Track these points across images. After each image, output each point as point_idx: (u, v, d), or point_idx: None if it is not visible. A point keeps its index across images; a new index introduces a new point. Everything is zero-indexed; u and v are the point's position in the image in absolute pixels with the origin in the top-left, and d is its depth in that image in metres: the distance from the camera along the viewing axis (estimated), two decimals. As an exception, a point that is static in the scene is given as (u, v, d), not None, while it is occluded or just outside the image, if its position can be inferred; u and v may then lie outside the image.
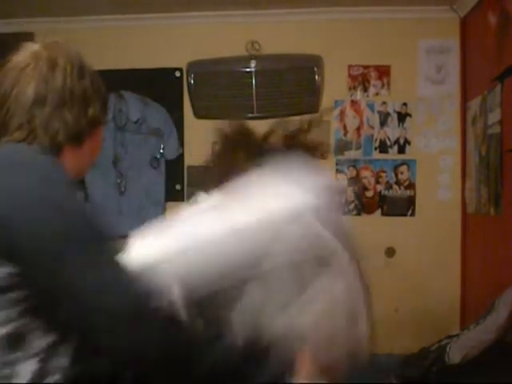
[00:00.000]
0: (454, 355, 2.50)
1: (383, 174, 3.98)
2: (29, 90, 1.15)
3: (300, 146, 1.26)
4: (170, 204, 4.08)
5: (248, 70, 3.96)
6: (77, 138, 1.18)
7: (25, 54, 1.19)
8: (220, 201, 1.14)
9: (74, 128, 1.17)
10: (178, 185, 4.09)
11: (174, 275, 1.03)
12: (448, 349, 2.55)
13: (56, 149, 1.15)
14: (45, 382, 1.04)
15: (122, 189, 4.07)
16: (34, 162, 1.08)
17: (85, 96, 1.19)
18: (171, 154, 4.09)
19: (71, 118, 1.16)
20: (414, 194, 3.95)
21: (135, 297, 1.03)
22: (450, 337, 2.67)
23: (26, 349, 1.04)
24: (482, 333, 2.47)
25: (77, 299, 1.01)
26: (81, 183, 3.90)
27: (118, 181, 4.05)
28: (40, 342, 1.05)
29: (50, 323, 1.05)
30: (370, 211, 3.99)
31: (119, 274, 1.04)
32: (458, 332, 2.70)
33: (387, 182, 3.98)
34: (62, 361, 1.06)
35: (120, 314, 1.02)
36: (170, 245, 1.08)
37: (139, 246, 1.08)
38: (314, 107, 3.97)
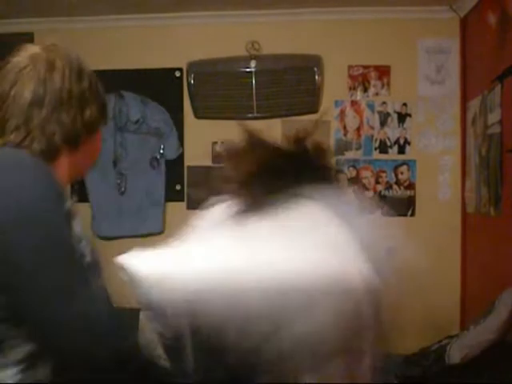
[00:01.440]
0: (454, 355, 2.50)
1: (383, 174, 3.98)
2: (26, 92, 1.14)
3: (311, 149, 1.18)
4: (169, 204, 4.08)
5: (248, 70, 3.96)
6: (73, 140, 1.17)
7: (24, 55, 1.18)
8: (251, 224, 1.01)
9: (70, 130, 1.16)
10: (178, 185, 4.09)
11: (184, 302, 0.94)
12: (448, 349, 2.55)
13: (53, 151, 1.15)
14: None
15: (122, 189, 4.07)
16: (22, 169, 1.06)
17: (82, 98, 1.18)
18: (171, 154, 4.09)
19: (68, 120, 1.16)
20: (414, 194, 3.95)
21: (104, 330, 1.03)
22: (450, 337, 2.67)
23: (6, 355, 1.03)
24: (483, 333, 2.47)
25: (46, 322, 1.00)
26: (81, 183, 3.90)
27: (118, 181, 4.05)
28: (20, 349, 1.03)
29: (27, 333, 1.04)
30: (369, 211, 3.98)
31: (91, 302, 1.03)
32: (458, 332, 2.69)
33: (387, 182, 3.98)
34: (43, 372, 1.05)
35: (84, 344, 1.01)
36: (187, 263, 0.98)
37: (153, 257, 1.01)
38: (314, 107, 3.97)
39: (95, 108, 1.21)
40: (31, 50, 1.19)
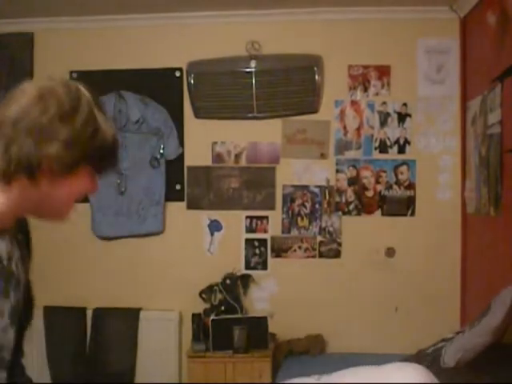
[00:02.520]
0: (449, 359, 2.47)
1: (383, 174, 3.98)
2: (9, 113, 1.11)
3: None
4: (169, 204, 4.07)
5: (248, 70, 3.96)
6: (27, 170, 1.10)
7: (31, 85, 1.14)
8: None
9: (25, 158, 1.09)
10: (178, 185, 4.09)
11: None
12: (443, 352, 2.52)
13: (7, 175, 1.11)
14: None
15: (122, 189, 4.07)
16: None
17: (48, 130, 1.10)
18: (171, 154, 4.09)
19: (29, 147, 1.09)
20: (414, 194, 3.95)
21: None
22: (445, 340, 2.64)
23: None
24: (477, 336, 2.44)
25: None
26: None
27: (118, 181, 4.05)
28: None
29: None
30: (370, 211, 3.99)
31: None
32: (453, 335, 2.67)
33: (387, 182, 3.97)
34: None
35: None
36: None
37: None
38: (314, 107, 3.98)
39: (63, 146, 1.11)
40: (41, 81, 1.16)
